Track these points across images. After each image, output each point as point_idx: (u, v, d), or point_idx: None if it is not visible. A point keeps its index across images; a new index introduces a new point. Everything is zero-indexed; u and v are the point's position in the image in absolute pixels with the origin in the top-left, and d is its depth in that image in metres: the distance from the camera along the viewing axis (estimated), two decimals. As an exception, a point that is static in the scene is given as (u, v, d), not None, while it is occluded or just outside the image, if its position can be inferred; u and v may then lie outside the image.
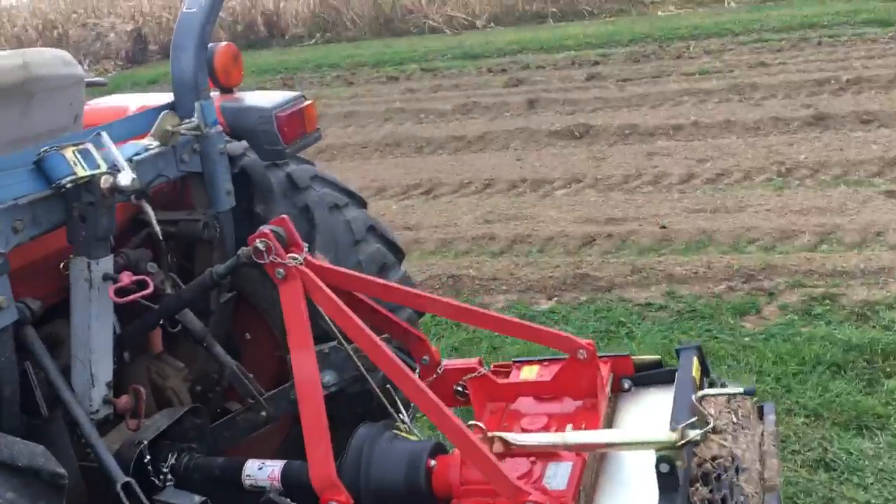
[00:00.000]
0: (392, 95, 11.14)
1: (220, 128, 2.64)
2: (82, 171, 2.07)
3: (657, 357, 2.52)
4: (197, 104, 2.55)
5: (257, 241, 2.08)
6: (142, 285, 2.18)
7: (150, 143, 2.39)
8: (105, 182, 2.08)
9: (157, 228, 2.37)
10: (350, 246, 2.95)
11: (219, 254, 2.66)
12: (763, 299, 4.67)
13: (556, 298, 4.99)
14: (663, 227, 5.72)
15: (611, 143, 7.97)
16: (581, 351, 2.30)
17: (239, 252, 2.19)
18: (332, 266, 2.24)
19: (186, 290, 2.43)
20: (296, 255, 2.09)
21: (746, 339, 4.28)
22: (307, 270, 2.08)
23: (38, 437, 2.29)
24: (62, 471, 1.81)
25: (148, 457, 2.24)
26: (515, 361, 2.62)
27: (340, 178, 8.26)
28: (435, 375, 2.44)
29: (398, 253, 3.17)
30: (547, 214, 6.36)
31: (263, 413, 2.55)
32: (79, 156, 2.09)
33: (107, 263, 2.18)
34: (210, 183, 2.62)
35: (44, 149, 2.04)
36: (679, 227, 5.70)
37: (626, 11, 14.97)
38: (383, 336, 2.40)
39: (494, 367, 2.66)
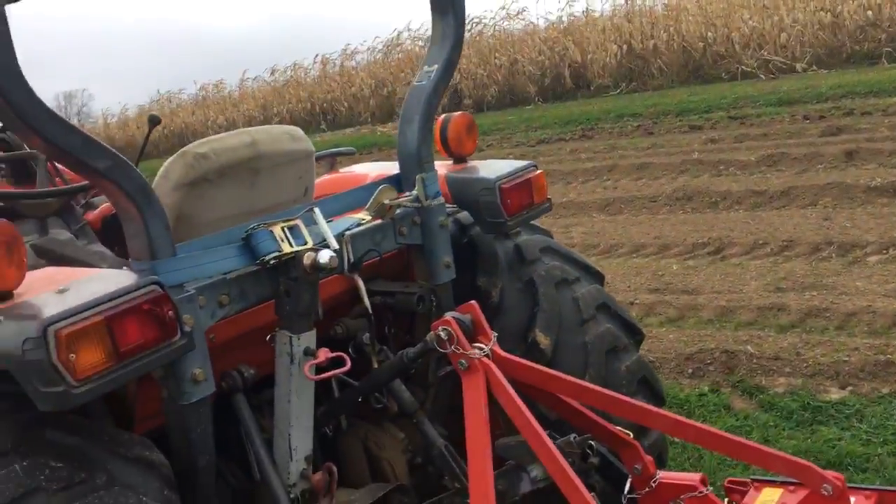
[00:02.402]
0: (692, 146, 10.60)
1: (442, 200, 2.60)
2: (287, 248, 2.11)
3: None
4: (418, 177, 2.54)
5: (440, 328, 1.96)
6: (338, 363, 2.16)
7: (364, 217, 2.40)
8: (307, 259, 2.10)
9: (367, 302, 2.36)
10: (576, 325, 2.75)
11: None
12: None
13: (850, 388, 4.27)
14: None
15: (945, 202, 6.82)
16: (826, 486, 1.88)
17: (426, 337, 2.09)
18: (522, 361, 2.05)
19: (381, 371, 2.38)
20: (482, 346, 1.94)
21: None
22: (491, 364, 1.91)
23: (250, 498, 2.37)
24: None
25: None
26: (755, 480, 2.24)
27: (621, 233, 7.87)
28: (647, 489, 2.14)
29: (634, 334, 2.90)
30: (853, 285, 5.54)
31: (467, 500, 2.42)
32: (287, 232, 2.14)
33: (309, 338, 2.19)
34: (429, 255, 2.59)
35: (252, 225, 2.11)
36: None
37: (983, 45, 12.94)
38: (585, 437, 2.16)
39: (728, 482, 2.30)
